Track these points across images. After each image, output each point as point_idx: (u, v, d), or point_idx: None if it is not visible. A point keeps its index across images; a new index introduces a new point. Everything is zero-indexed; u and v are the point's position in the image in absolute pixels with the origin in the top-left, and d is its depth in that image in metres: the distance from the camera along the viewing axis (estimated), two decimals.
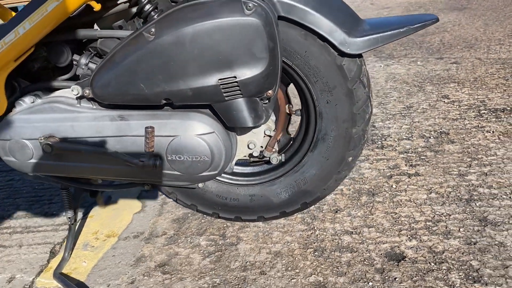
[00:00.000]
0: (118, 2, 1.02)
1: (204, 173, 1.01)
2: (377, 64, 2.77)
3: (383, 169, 1.58)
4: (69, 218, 1.24)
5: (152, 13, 1.02)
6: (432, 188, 1.43)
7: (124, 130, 0.99)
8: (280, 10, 1.02)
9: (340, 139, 1.15)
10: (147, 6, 1.00)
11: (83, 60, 1.02)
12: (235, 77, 0.92)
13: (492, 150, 1.61)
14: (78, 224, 1.44)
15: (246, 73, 0.92)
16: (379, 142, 1.78)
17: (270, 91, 0.99)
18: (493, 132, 1.74)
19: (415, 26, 1.05)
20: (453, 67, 2.53)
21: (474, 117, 1.89)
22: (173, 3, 1.07)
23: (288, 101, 1.24)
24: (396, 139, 1.79)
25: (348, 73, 1.08)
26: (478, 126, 1.81)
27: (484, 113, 1.92)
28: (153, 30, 0.91)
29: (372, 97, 1.18)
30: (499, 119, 1.84)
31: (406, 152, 1.68)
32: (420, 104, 2.09)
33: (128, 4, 1.04)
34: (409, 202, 1.38)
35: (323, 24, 1.02)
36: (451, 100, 2.09)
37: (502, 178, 1.44)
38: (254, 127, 1.11)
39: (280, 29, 1.04)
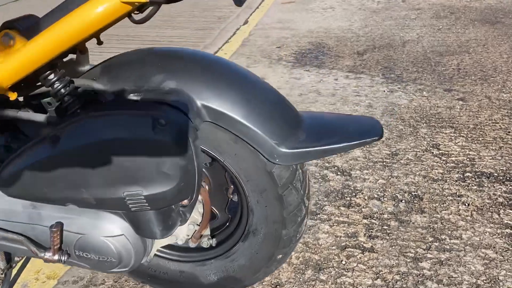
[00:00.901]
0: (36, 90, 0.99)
1: (114, 270, 1.00)
2: (381, 88, 2.64)
3: (340, 237, 1.54)
4: (1, 269, 1.26)
5: (71, 104, 0.97)
6: (381, 273, 1.38)
7: (34, 219, 0.98)
8: (206, 116, 0.96)
9: (270, 237, 1.11)
10: (66, 98, 0.96)
11: (1, 142, 1.00)
12: (141, 192, 0.89)
13: (458, 231, 1.53)
14: (18, 266, 1.46)
15: (153, 189, 0.88)
16: (348, 198, 1.72)
17: (185, 201, 0.95)
18: (468, 205, 1.65)
19: (353, 143, 0.98)
20: (457, 105, 2.39)
21: (456, 181, 1.79)
22: (95, 94, 1.02)
23: (228, 183, 1.19)
24: (366, 197, 1.72)
25: (279, 180, 1.03)
26: (456, 194, 1.72)
27: (468, 176, 1.81)
28: (59, 136, 0.88)
29: (308, 201, 1.13)
30: (481, 188, 1.74)
31: (370, 217, 1.62)
32: (406, 153, 1.99)
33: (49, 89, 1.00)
34: (351, 287, 1.34)
35: (252, 134, 0.96)
36: (440, 152, 1.98)
37: (456, 272, 1.37)
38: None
39: (208, 131, 0.99)
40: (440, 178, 1.81)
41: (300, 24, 3.96)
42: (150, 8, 0.87)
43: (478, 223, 1.57)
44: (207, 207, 1.10)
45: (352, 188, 1.78)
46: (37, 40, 0.87)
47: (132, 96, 0.93)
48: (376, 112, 2.37)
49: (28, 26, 0.89)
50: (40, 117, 0.98)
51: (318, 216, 1.63)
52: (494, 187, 1.74)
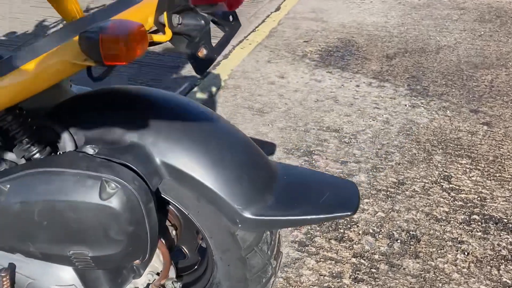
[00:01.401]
0: None
1: None
2: (403, 102, 2.50)
3: (325, 275, 1.48)
4: None
5: (28, 149, 0.93)
6: None
7: None
8: (166, 174, 0.91)
9: None
10: (24, 141, 0.91)
11: None
12: (87, 253, 0.85)
13: (450, 285, 1.45)
14: None
15: (100, 251, 0.85)
16: (342, 231, 1.66)
17: (137, 261, 0.91)
18: (467, 254, 1.56)
19: (324, 217, 0.91)
20: (481, 130, 2.24)
21: (460, 223, 1.69)
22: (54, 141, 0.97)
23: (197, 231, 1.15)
24: (360, 232, 1.65)
25: (242, 243, 0.97)
26: (457, 239, 1.62)
27: (474, 219, 1.70)
28: (8, 186, 0.85)
29: (277, 260, 1.07)
30: (485, 235, 1.63)
31: (360, 256, 1.55)
32: (414, 183, 1.89)
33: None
34: None
35: (214, 197, 0.91)
36: (450, 186, 1.87)
37: None
38: None
39: (170, 185, 0.93)
40: (444, 218, 1.71)
41: (334, 16, 3.79)
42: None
43: (474, 278, 1.47)
44: (166, 260, 1.07)
45: (347, 219, 1.70)
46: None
47: (89, 149, 0.88)
48: (392, 130, 2.25)
49: None
50: None
51: (307, 248, 1.58)
52: (500, 236, 1.63)
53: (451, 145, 2.14)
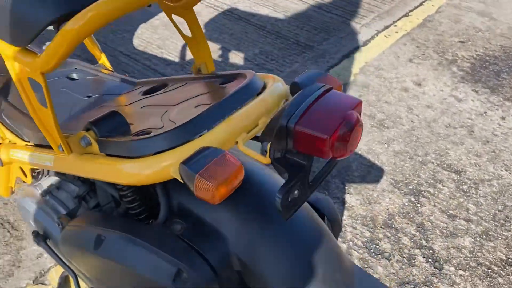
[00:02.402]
0: None
1: None
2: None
3: None
4: None
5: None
6: None
7: None
8: (237, 266, 0.89)
9: None
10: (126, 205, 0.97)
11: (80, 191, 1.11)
12: None
13: None
14: None
15: None
16: None
17: None
18: None
19: None
20: None
21: None
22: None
23: None
24: None
25: None
26: None
27: None
28: (105, 236, 0.91)
29: None
30: None
31: None
32: None
33: None
34: None
35: None
36: None
37: None
38: None
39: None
40: None
41: (508, 14, 3.25)
42: None
43: None
44: None
45: None
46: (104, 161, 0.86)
47: (177, 225, 0.90)
48: None
49: (105, 132, 0.89)
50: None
51: None
52: None
53: None
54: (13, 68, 0.87)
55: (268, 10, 3.17)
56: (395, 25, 3.06)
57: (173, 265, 0.84)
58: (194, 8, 1.04)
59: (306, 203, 0.94)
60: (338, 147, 0.69)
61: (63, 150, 0.92)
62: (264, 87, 0.95)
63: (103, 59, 1.41)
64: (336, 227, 1.12)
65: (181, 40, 2.74)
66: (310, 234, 0.92)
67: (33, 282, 1.53)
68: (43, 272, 1.56)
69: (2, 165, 1.19)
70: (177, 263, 0.84)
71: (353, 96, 0.72)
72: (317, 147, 0.68)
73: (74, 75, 1.34)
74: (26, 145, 1.13)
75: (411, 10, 3.23)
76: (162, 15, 3.02)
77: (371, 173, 2.00)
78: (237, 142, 0.82)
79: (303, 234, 0.91)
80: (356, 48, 2.81)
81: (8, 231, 1.67)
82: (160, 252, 0.86)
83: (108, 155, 0.88)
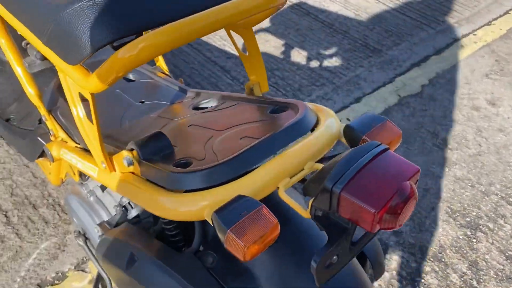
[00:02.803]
0: None
1: None
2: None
3: None
4: None
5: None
6: None
7: None
8: None
9: None
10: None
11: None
12: None
13: None
14: None
15: None
16: None
17: None
18: None
19: None
20: None
21: None
22: None
23: None
24: None
25: None
26: None
27: None
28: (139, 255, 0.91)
29: None
30: None
31: None
32: None
33: None
34: None
35: None
36: None
37: None
38: None
39: None
40: None
41: None
42: None
43: None
44: None
45: None
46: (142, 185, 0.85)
47: (209, 257, 0.87)
48: None
49: (148, 154, 0.87)
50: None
51: None
52: None
53: None
54: (65, 81, 0.87)
55: (338, 6, 3.04)
56: (475, 34, 2.83)
57: None
58: None
59: None
60: (387, 220, 0.62)
61: (105, 166, 0.91)
62: (316, 123, 0.89)
63: (161, 62, 1.39)
64: (378, 271, 1.05)
65: None
66: (345, 283, 0.87)
67: (74, 268, 1.58)
68: (85, 259, 1.60)
69: (53, 161, 1.22)
70: None
71: (410, 162, 0.65)
72: (362, 218, 0.62)
73: (131, 76, 1.33)
74: (76, 146, 1.14)
75: (495, 19, 2.98)
76: None
77: (426, 197, 1.88)
78: (278, 188, 0.77)
79: (338, 282, 0.85)
80: (428, 56, 2.64)
81: (58, 214, 1.73)
82: (189, 286, 0.84)
83: (148, 179, 0.86)
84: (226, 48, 2.62)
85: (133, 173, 0.90)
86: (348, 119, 2.24)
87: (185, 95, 1.22)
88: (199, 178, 0.77)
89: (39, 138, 1.31)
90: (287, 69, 2.50)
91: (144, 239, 0.97)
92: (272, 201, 0.83)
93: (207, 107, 1.12)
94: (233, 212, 0.66)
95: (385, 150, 0.67)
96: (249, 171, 0.77)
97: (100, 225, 1.08)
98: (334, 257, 0.68)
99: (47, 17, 0.79)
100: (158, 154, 0.88)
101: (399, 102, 2.32)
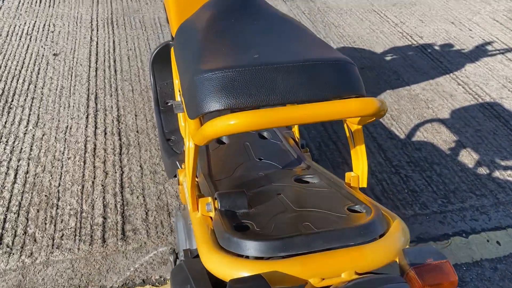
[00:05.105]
0: None
1: None
2: None
3: None
4: None
5: None
6: None
7: None
8: None
9: None
10: None
11: None
12: None
13: None
14: None
15: None
16: None
17: None
18: None
19: None
20: None
21: None
22: None
23: None
24: None
25: None
26: None
27: None
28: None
29: None
30: None
31: None
32: None
33: None
34: None
35: None
36: None
37: None
38: None
39: None
40: None
41: None
42: None
43: None
44: None
45: None
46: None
47: None
48: None
49: (226, 206, 0.99)
50: None
51: None
52: None
53: None
54: (186, 129, 1.05)
55: None
56: None
57: None
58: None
59: None
60: None
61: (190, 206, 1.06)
62: (383, 233, 0.88)
63: (295, 128, 1.50)
64: None
65: (417, 118, 2.63)
66: None
67: None
68: None
69: (179, 184, 1.43)
70: None
71: None
72: None
73: (265, 134, 1.47)
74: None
75: None
76: (414, 88, 2.94)
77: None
78: (307, 283, 0.79)
79: None
80: None
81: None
82: None
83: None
84: (392, 128, 2.60)
85: (211, 218, 1.02)
86: (498, 243, 1.99)
87: (298, 165, 1.30)
88: (238, 245, 0.85)
89: (177, 162, 1.54)
90: (449, 167, 2.35)
91: (201, 276, 1.06)
92: None
93: (308, 182, 1.18)
94: None
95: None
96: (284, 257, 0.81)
97: (185, 250, 1.23)
98: None
99: (188, 76, 0.98)
100: (234, 208, 0.99)
101: None
